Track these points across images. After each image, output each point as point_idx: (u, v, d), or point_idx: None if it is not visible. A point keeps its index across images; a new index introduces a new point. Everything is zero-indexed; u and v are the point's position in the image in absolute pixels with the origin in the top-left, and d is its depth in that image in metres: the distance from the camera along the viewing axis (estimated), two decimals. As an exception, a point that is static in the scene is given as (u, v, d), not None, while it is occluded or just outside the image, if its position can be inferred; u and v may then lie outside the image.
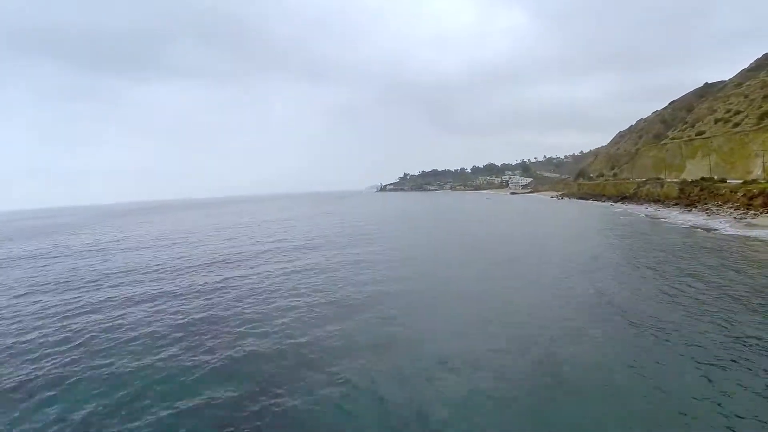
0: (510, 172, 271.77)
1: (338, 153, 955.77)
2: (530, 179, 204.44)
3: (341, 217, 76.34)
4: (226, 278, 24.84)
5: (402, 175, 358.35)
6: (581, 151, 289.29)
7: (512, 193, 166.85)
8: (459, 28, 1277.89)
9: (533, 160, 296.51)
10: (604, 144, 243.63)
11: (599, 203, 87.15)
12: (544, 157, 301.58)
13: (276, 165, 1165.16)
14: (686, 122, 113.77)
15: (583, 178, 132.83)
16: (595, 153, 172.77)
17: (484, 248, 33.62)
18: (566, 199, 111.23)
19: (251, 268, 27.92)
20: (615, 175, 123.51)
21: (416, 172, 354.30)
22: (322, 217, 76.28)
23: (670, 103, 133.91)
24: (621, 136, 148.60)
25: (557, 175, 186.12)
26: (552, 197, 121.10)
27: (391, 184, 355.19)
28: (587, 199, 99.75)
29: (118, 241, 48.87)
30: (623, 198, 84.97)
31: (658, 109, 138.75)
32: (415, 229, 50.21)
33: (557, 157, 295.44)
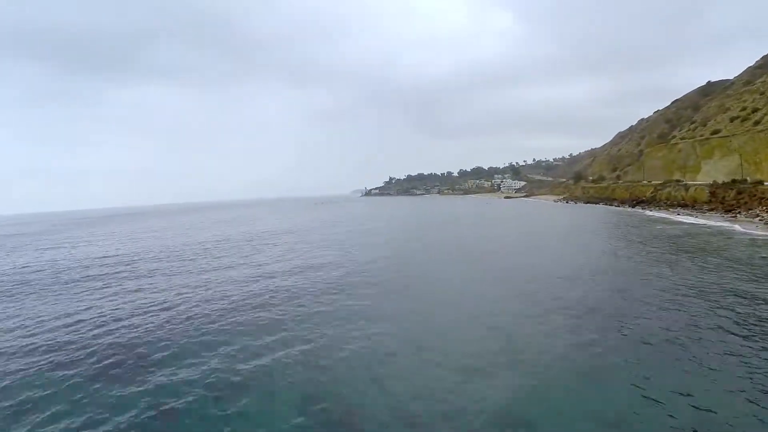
0: (499, 176, 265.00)
1: (323, 157, 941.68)
2: (523, 183, 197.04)
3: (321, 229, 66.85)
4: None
5: (387, 180, 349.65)
6: (570, 154, 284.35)
7: (506, 198, 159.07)
8: (450, 28, 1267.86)
9: (522, 164, 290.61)
10: (596, 147, 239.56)
11: (613, 208, 79.20)
12: (534, 159, 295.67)
13: (259, 170, 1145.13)
14: (694, 121, 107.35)
15: (584, 181, 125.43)
16: (592, 155, 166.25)
17: (529, 286, 24.48)
18: (571, 203, 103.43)
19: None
20: (618, 177, 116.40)
21: (402, 176, 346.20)
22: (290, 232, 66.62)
23: (673, 102, 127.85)
24: (621, 136, 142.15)
25: (551, 179, 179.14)
26: (555, 201, 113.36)
27: (376, 188, 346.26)
28: (595, 204, 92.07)
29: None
30: (639, 202, 77.23)
31: (660, 108, 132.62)
32: (413, 252, 36.63)
33: (546, 160, 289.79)
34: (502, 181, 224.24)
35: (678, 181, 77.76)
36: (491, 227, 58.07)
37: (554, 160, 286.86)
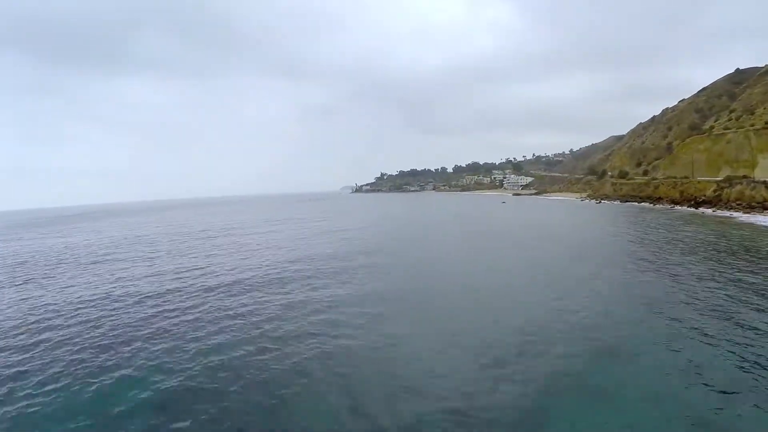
0: (498, 171, 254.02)
1: (312, 153, 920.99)
2: (529, 179, 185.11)
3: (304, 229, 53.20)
4: None
5: (379, 175, 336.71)
6: (571, 150, 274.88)
7: (515, 195, 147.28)
8: (446, 20, 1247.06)
9: (521, 159, 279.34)
10: (596, 142, 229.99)
11: (668, 210, 67.50)
12: (533, 155, 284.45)
13: (246, 166, 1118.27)
14: (733, 110, 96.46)
15: (611, 177, 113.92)
16: (607, 148, 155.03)
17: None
18: (603, 202, 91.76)
19: None
20: (646, 172, 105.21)
21: (394, 172, 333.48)
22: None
23: (701, 91, 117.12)
24: (644, 128, 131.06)
25: (560, 174, 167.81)
26: (581, 200, 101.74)
27: (367, 184, 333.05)
28: (637, 203, 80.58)
29: None
30: (701, 202, 65.63)
31: (685, 97, 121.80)
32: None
33: (546, 156, 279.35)
34: (504, 177, 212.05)
35: (745, 177, 66.22)
36: (552, 248, 34.73)
37: (554, 155, 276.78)
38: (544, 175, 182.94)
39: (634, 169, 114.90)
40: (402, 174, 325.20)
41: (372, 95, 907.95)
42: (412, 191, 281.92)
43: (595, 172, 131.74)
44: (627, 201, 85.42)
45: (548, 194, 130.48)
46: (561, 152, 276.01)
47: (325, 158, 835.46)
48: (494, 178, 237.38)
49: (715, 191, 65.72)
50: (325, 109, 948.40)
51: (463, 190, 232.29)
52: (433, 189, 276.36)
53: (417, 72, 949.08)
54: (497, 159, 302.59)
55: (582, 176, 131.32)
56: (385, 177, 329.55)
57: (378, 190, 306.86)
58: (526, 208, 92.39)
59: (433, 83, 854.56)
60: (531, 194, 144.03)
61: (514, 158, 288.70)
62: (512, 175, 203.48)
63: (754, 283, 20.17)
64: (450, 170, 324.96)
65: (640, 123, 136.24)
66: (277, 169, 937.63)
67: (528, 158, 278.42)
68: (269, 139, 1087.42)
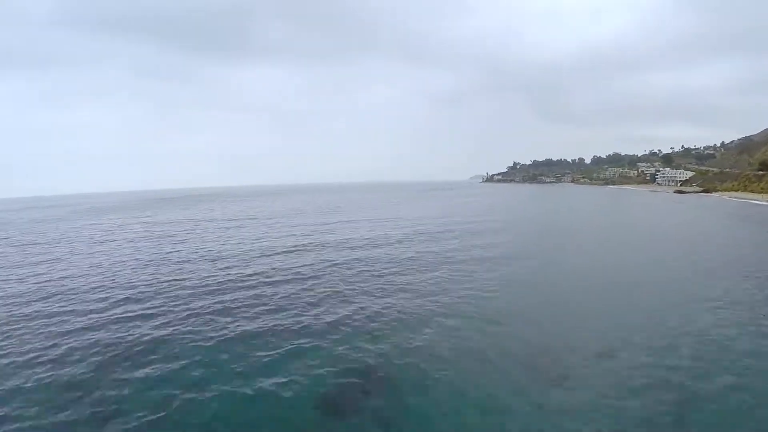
0: (644, 164, 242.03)
1: (435, 140, 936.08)
2: (689, 173, 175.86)
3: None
4: None
5: (511, 165, 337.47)
6: (722, 142, 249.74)
7: (678, 192, 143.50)
8: (576, 1, 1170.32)
9: (668, 151, 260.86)
10: (737, 137, 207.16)
11: None
12: (682, 147, 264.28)
13: (368, 153, 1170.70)
14: None
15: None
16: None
17: None
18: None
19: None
20: None
21: (527, 162, 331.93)
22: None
23: None
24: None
25: (726, 170, 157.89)
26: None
27: (498, 173, 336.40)
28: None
29: None
30: None
31: None
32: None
33: (696, 148, 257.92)
34: (657, 171, 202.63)
35: None
36: None
37: (704, 148, 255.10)
38: (707, 170, 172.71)
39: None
40: (535, 164, 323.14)
41: (498, 82, 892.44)
42: (547, 182, 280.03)
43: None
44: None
45: (720, 193, 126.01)
46: (710, 145, 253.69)
47: (448, 146, 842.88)
48: (641, 171, 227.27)
49: None
50: (448, 96, 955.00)
51: (606, 184, 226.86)
52: (572, 181, 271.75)
53: (546, 57, 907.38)
54: (635, 151, 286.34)
55: (757, 172, 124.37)
56: (517, 166, 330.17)
57: (510, 180, 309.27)
58: (726, 216, 69.33)
59: (563, 69, 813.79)
60: (694, 191, 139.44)
61: (659, 150, 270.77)
62: (668, 169, 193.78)
63: None
64: (587, 161, 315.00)
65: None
66: (400, 157, 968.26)
67: (676, 150, 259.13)
68: (393, 126, 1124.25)
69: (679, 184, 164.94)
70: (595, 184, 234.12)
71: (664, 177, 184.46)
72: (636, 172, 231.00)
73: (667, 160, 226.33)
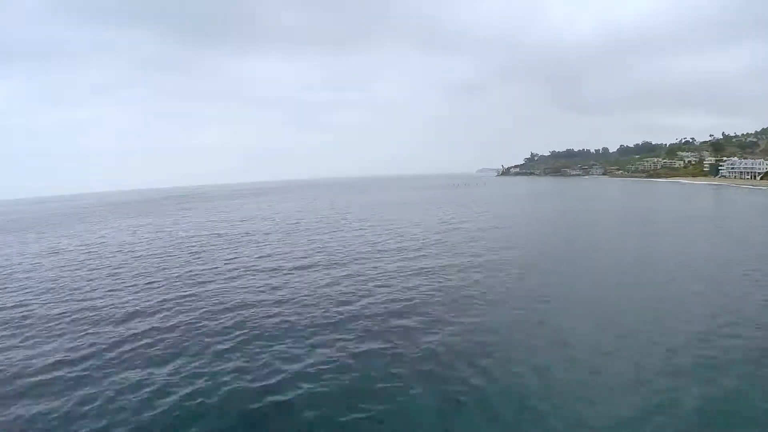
0: (687, 153, 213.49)
1: (445, 132, 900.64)
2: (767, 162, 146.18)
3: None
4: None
5: (528, 156, 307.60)
6: (764, 128, 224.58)
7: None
8: None
9: (709, 139, 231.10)
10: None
11: None
12: (723, 134, 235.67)
13: (375, 146, 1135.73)
14: None
15: None
16: None
17: None
18: None
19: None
20: None
21: (546, 153, 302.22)
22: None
23: None
24: None
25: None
26: None
27: (515, 166, 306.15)
28: None
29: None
30: None
31: None
32: None
33: (737, 135, 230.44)
34: (717, 162, 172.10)
35: None
36: None
37: (744, 135, 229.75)
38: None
39: None
40: (556, 155, 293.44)
41: (513, 69, 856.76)
42: (573, 175, 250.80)
43: None
44: None
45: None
46: (747, 132, 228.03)
47: (458, 137, 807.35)
48: (689, 161, 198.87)
49: None
50: (461, 85, 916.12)
51: (649, 177, 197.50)
52: (604, 173, 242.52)
53: (566, 42, 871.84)
54: (661, 140, 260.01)
55: None
56: (536, 158, 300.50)
57: (530, 173, 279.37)
58: None
59: (582, 55, 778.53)
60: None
61: (692, 138, 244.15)
62: (735, 159, 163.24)
63: None
64: (612, 151, 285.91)
65: None
66: (407, 150, 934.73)
67: (716, 137, 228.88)
68: (401, 118, 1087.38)
69: (758, 177, 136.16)
70: (636, 177, 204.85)
71: (733, 168, 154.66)
72: (682, 162, 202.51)
73: (719, 147, 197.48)
